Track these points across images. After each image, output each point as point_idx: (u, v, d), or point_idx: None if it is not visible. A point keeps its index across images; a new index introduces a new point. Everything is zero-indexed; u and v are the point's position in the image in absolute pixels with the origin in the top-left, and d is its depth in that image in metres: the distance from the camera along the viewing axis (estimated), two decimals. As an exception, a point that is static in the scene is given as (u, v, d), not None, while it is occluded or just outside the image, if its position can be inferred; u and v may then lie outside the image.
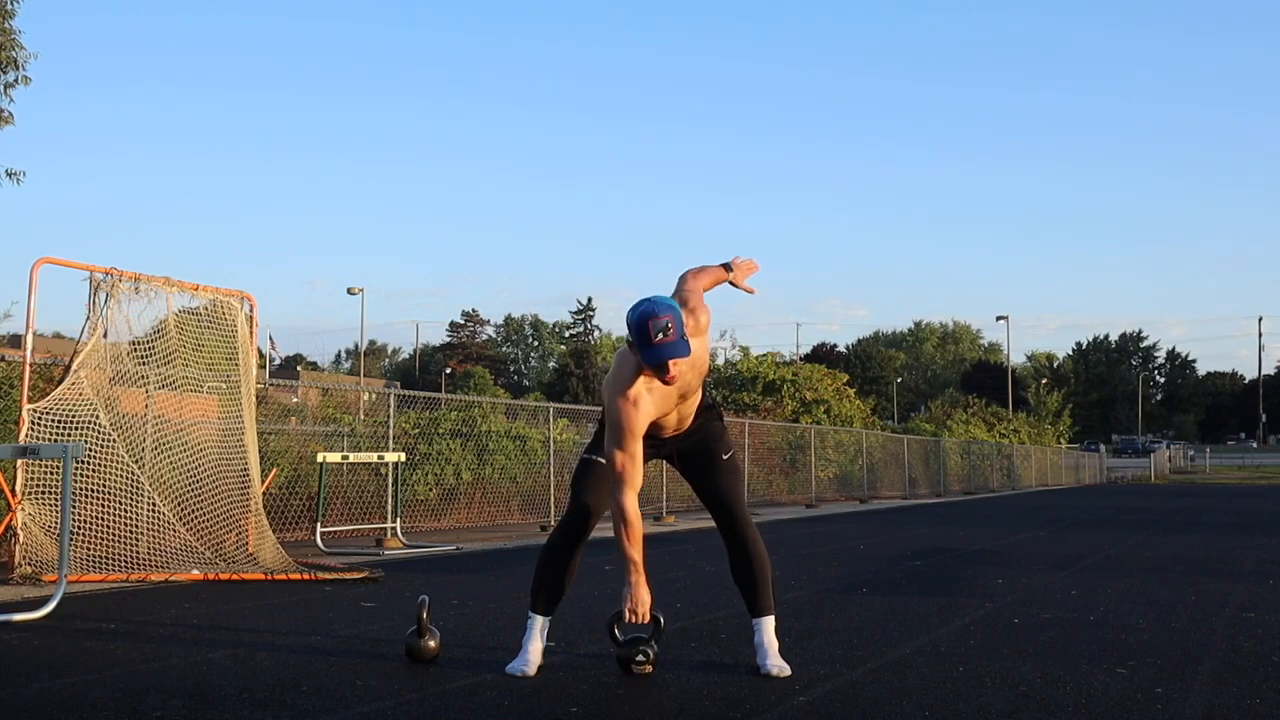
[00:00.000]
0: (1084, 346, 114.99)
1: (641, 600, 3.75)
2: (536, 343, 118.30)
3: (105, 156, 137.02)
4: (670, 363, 3.61)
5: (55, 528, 6.30)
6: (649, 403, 3.77)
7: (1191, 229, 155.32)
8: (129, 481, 6.85)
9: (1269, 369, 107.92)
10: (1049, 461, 39.17)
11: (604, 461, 3.85)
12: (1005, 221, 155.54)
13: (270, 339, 38.48)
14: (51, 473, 6.55)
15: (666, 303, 3.65)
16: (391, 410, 11.19)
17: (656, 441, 4.03)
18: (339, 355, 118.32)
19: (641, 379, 3.75)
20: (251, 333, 7.97)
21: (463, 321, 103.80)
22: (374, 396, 13.66)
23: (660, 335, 3.57)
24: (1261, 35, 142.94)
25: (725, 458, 4.04)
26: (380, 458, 10.23)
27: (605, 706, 3.41)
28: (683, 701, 3.49)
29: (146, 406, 7.27)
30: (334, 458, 9.58)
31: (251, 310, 7.97)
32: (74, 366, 6.71)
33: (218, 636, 4.65)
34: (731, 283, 4.17)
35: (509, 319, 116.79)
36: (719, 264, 4.15)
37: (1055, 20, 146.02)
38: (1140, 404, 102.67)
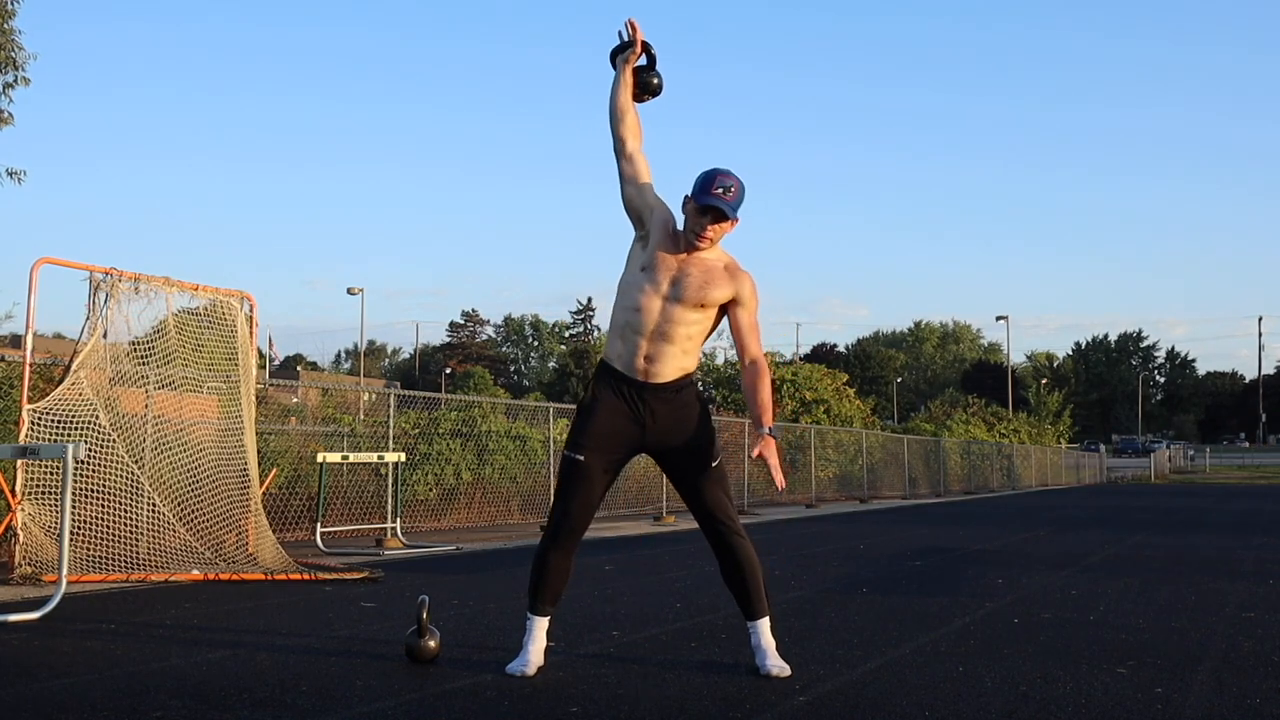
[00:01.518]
0: (1084, 346, 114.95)
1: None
2: (536, 343, 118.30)
3: (105, 157, 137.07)
4: (712, 223, 3.79)
5: (55, 528, 6.29)
6: (663, 230, 3.89)
7: (1191, 229, 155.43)
8: (129, 481, 6.85)
9: (1269, 369, 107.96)
10: (1049, 461, 39.16)
11: (581, 458, 3.86)
12: (1006, 221, 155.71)
13: (269, 339, 38.50)
14: (51, 473, 6.55)
15: (731, 171, 3.84)
16: (391, 410, 11.19)
17: (632, 417, 3.87)
18: (339, 355, 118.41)
19: (666, 229, 3.90)
20: (251, 333, 7.97)
21: (463, 321, 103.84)
22: (374, 396, 13.66)
23: (720, 190, 3.77)
24: (1259, 39, 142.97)
25: (714, 465, 3.96)
26: (380, 458, 10.23)
27: (605, 706, 3.41)
28: (683, 701, 3.49)
29: (146, 406, 7.26)
30: (334, 458, 9.58)
31: (251, 310, 7.97)
32: (74, 366, 6.71)
33: (218, 636, 4.65)
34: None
35: (509, 319, 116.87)
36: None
37: (1056, 25, 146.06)
38: (1140, 404, 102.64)
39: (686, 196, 3.87)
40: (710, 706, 3.43)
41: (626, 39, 4.02)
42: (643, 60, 4.04)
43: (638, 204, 3.94)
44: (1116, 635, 4.85)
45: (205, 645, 4.42)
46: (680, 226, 3.93)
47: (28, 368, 6.71)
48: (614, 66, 4.06)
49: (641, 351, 3.85)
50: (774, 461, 3.84)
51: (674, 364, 3.87)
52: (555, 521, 3.91)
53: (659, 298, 3.83)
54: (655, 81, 4.05)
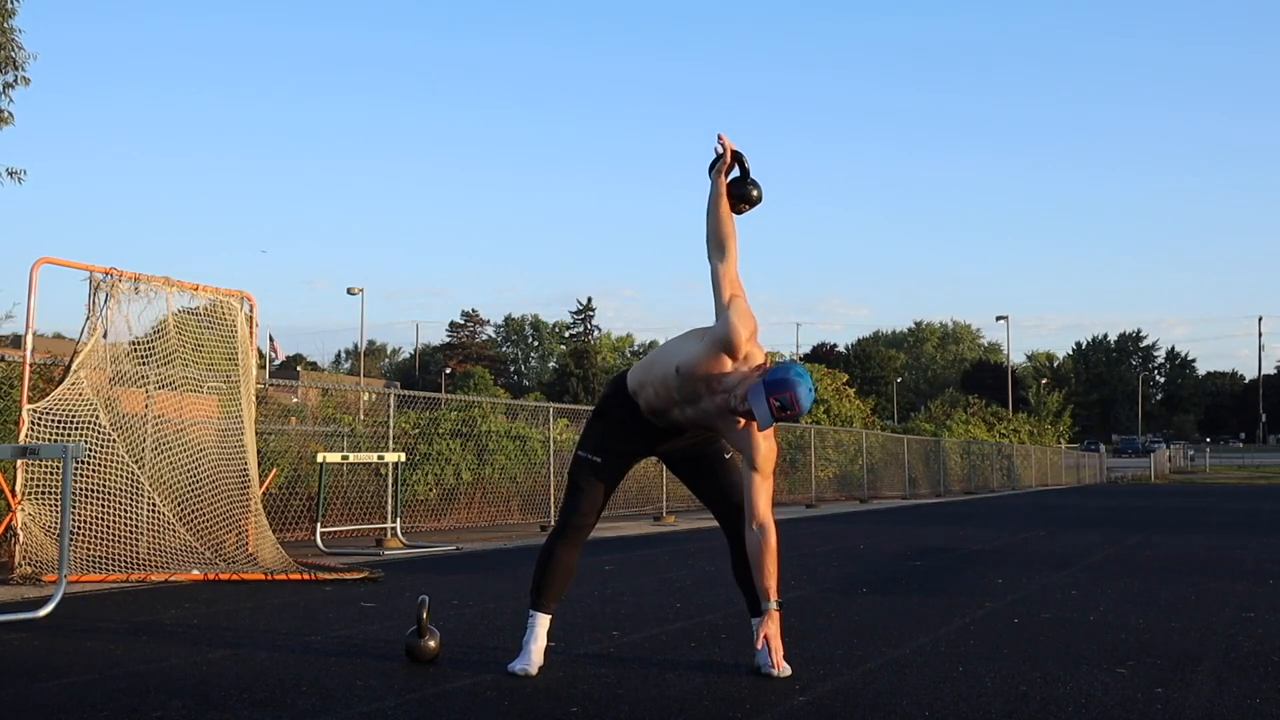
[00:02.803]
0: (1084, 346, 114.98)
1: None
2: (536, 343, 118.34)
3: (105, 156, 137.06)
4: (745, 416, 3.63)
5: (55, 528, 6.30)
6: (745, 331, 3.66)
7: (1191, 229, 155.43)
8: (129, 481, 6.85)
9: (1269, 369, 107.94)
10: (1049, 461, 39.15)
11: (598, 460, 3.97)
12: (1005, 221, 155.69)
13: (270, 340, 38.41)
14: (51, 473, 6.55)
15: (811, 398, 3.59)
16: (391, 410, 11.19)
17: (648, 437, 4.01)
18: (339, 355, 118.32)
19: (723, 347, 3.68)
20: (251, 333, 7.97)
21: (463, 321, 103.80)
22: (374, 396, 13.66)
23: (778, 405, 3.54)
24: (1260, 39, 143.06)
25: (728, 457, 4.04)
26: (380, 458, 10.23)
27: (605, 706, 3.41)
28: (683, 701, 3.49)
29: (146, 406, 7.26)
30: (334, 458, 9.58)
31: (251, 310, 7.97)
32: (74, 366, 6.71)
33: (218, 636, 4.65)
34: None
35: (509, 319, 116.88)
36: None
37: (1056, 25, 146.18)
38: (1140, 404, 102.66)
39: (770, 355, 3.70)
40: (710, 706, 3.43)
41: (719, 153, 3.95)
42: (736, 172, 3.97)
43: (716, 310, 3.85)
44: (1116, 635, 4.85)
45: (205, 645, 4.42)
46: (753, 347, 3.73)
47: (28, 368, 6.72)
48: (711, 179, 3.96)
49: (655, 415, 3.94)
50: (776, 643, 3.82)
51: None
52: (565, 519, 4.00)
53: (674, 404, 3.85)
54: (755, 193, 3.96)
